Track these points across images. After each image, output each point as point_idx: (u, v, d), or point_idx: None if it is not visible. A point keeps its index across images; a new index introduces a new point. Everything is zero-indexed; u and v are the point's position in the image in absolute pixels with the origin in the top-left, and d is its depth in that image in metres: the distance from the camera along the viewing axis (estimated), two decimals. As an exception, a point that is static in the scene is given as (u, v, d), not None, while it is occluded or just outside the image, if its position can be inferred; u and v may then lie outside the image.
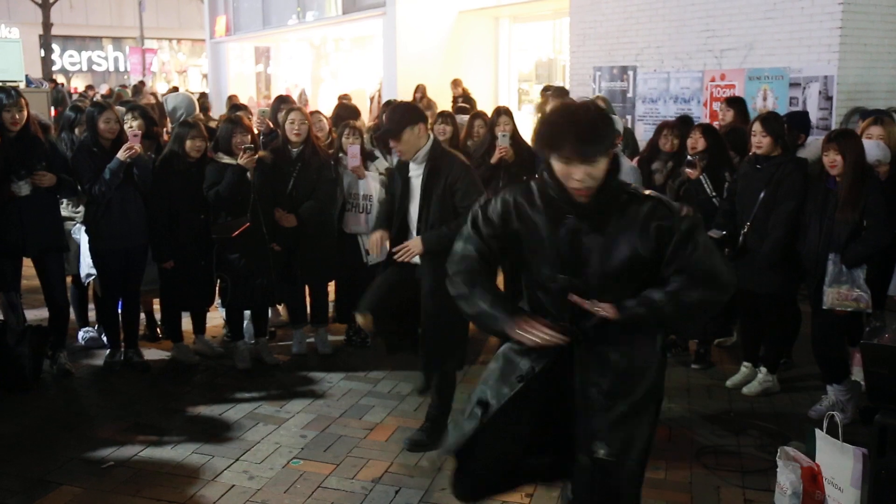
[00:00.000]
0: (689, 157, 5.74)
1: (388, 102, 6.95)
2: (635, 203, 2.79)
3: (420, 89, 13.69)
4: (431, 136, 4.61)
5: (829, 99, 8.05)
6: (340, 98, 13.13)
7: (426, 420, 4.79)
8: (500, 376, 2.99)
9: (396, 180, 4.69)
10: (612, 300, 2.78)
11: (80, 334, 6.52)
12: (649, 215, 2.75)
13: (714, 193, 5.63)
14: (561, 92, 8.57)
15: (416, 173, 4.55)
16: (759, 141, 5.22)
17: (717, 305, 2.88)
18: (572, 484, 3.03)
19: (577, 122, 2.68)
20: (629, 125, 9.89)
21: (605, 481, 2.89)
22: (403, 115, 4.48)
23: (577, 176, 2.68)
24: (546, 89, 9.39)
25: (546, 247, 2.84)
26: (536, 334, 2.77)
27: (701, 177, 5.66)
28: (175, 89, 18.15)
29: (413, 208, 4.56)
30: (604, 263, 2.78)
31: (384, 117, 4.48)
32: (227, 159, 5.74)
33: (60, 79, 30.38)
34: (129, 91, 19.58)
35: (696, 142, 5.74)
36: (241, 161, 5.63)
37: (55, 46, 33.40)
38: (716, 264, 2.79)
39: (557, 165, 2.72)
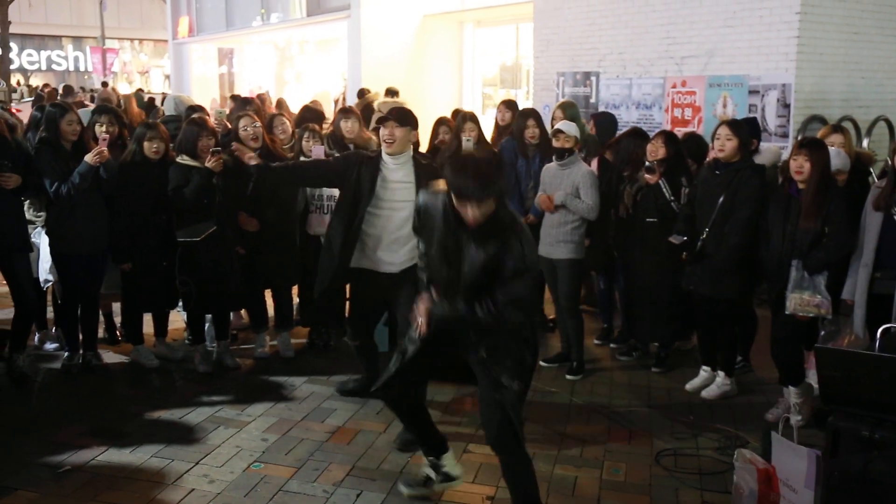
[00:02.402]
0: (647, 164, 5.81)
1: (344, 109, 6.95)
2: (509, 234, 3.53)
3: (278, 102, 13.73)
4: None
5: (787, 106, 8.19)
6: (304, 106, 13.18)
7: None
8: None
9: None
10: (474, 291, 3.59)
11: (38, 337, 6.43)
12: (511, 247, 3.50)
13: (672, 198, 5.71)
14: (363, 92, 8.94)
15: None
16: (724, 144, 5.27)
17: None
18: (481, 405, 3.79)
19: (475, 174, 3.46)
20: (591, 130, 9.97)
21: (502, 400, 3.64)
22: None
23: (470, 214, 3.48)
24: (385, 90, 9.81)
25: (438, 245, 3.69)
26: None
27: (660, 181, 5.73)
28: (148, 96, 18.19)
29: None
30: (473, 269, 3.57)
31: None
32: (190, 161, 5.70)
33: (19, 77, 29.93)
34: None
35: (657, 149, 5.81)
36: (208, 164, 5.60)
37: (13, 45, 32.89)
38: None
39: (457, 202, 3.51)
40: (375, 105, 7.45)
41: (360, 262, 4.95)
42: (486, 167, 3.55)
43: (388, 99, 9.74)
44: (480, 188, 3.43)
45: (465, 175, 3.46)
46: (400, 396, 4.01)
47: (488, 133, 7.52)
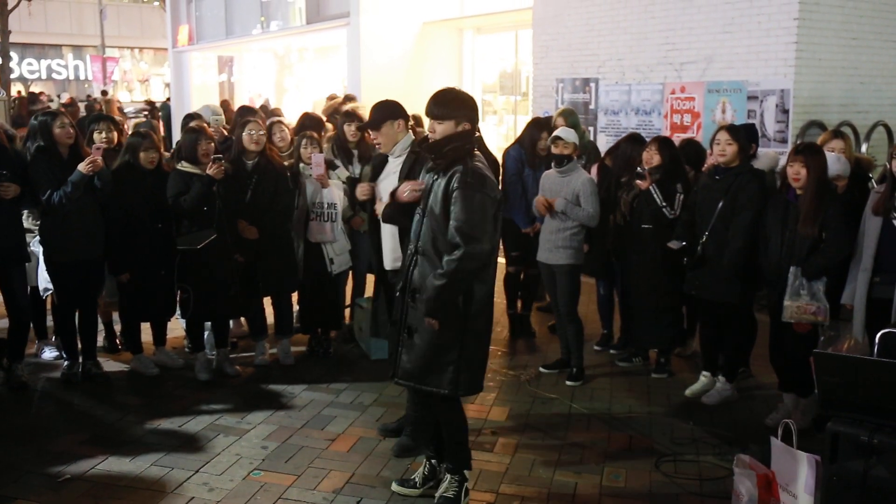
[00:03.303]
0: (638, 170, 5.83)
1: (347, 113, 6.96)
2: (455, 169, 3.83)
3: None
4: (409, 133, 4.85)
5: (786, 112, 8.19)
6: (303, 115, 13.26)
7: (407, 424, 4.84)
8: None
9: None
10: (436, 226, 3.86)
11: (37, 346, 6.43)
12: (451, 177, 3.83)
13: (664, 203, 5.71)
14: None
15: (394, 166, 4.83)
16: (724, 149, 5.29)
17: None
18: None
19: (438, 94, 3.97)
20: (591, 136, 9.98)
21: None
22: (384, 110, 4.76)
23: (429, 128, 3.94)
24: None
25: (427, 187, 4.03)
26: None
27: (651, 187, 5.73)
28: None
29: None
30: (435, 203, 3.87)
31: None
32: (190, 168, 5.71)
33: (19, 87, 29.97)
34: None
35: (652, 157, 5.82)
36: (209, 172, 5.60)
37: (13, 54, 32.93)
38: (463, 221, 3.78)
39: (427, 122, 3.97)
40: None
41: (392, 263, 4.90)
42: (450, 91, 4.04)
43: (348, 105, 9.81)
44: (437, 104, 3.91)
45: (433, 95, 3.98)
46: None
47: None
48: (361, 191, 5.06)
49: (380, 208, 4.60)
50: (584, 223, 5.82)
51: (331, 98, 10.81)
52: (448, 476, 4.15)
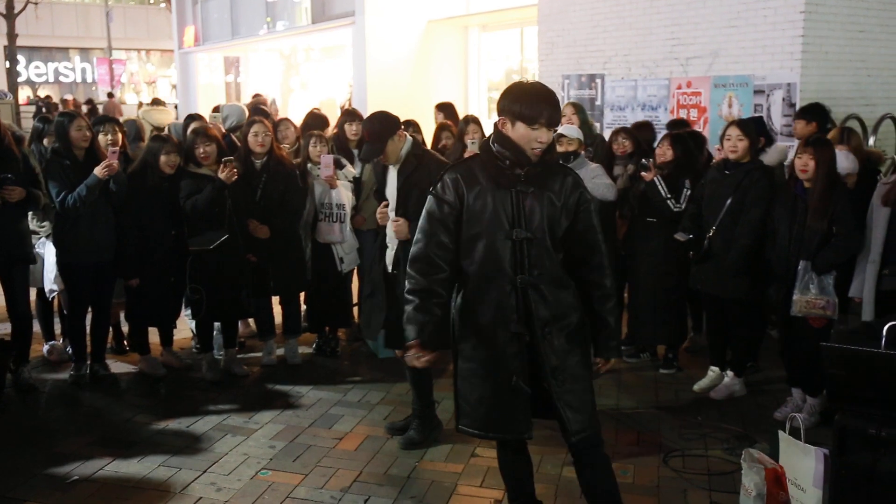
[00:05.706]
0: (643, 162, 5.82)
1: (349, 112, 6.97)
2: (563, 173, 3.36)
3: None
4: (409, 137, 4.74)
5: (793, 106, 8.15)
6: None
7: (413, 417, 4.85)
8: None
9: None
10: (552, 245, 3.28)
11: (45, 348, 6.45)
12: (573, 186, 3.32)
13: (669, 196, 5.69)
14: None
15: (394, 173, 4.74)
16: (736, 145, 5.26)
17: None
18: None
19: (551, 99, 3.23)
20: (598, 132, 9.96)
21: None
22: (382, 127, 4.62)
23: (542, 138, 3.20)
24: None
25: (491, 211, 3.25)
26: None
27: (655, 179, 5.71)
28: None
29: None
30: (543, 218, 3.26)
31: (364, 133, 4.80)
32: (199, 170, 5.70)
33: (27, 90, 30.07)
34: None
35: (665, 153, 5.81)
36: (221, 175, 5.57)
37: (21, 57, 33.06)
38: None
39: (524, 131, 3.19)
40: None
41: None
42: (552, 91, 3.35)
43: (152, 107, 9.77)
44: (556, 109, 3.25)
45: (539, 97, 3.22)
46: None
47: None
48: (385, 218, 4.76)
49: (385, 214, 4.68)
50: (604, 193, 5.71)
51: (255, 97, 11.47)
52: None
